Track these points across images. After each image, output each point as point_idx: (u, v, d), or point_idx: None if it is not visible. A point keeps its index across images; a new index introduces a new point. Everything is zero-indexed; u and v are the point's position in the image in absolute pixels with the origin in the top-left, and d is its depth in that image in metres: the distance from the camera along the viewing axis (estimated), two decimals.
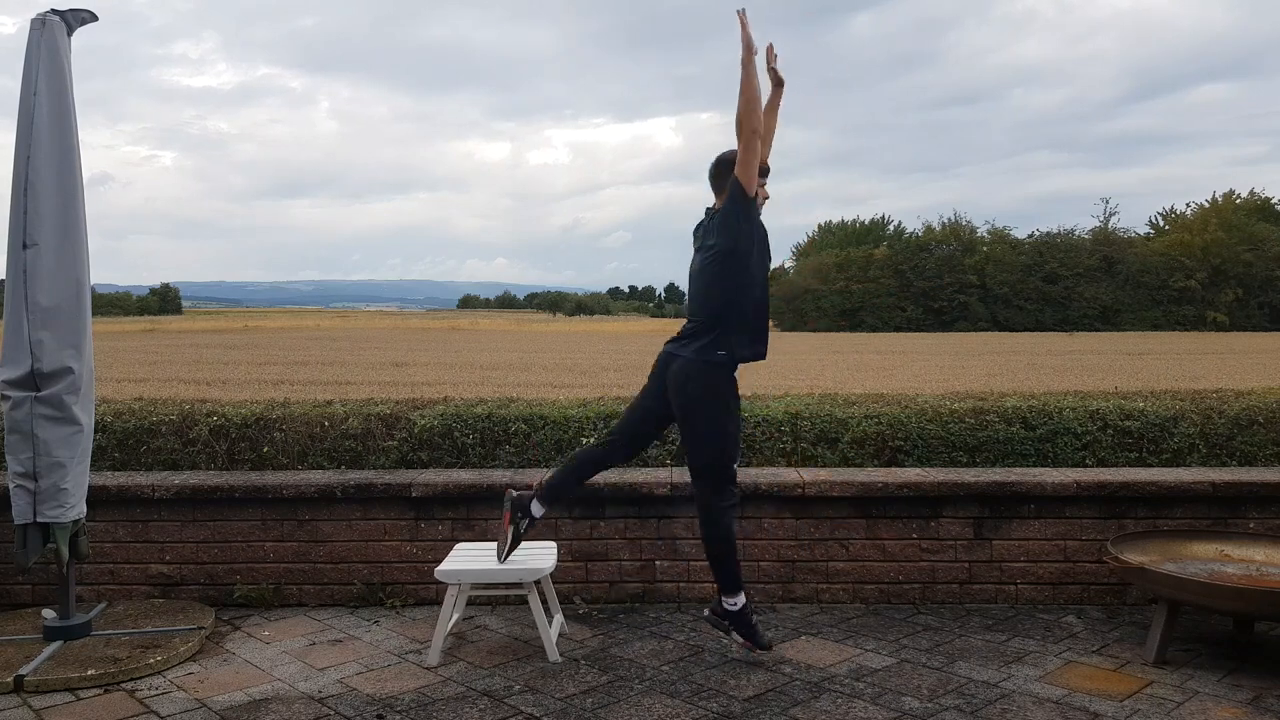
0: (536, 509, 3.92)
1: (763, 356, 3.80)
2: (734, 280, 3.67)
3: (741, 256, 3.67)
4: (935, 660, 3.86)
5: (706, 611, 3.93)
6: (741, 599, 3.80)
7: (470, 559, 4.03)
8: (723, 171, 3.73)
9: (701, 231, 3.84)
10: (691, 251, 3.91)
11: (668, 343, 3.85)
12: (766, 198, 3.78)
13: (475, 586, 4.06)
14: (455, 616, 4.02)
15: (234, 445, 4.92)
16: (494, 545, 4.21)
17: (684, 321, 3.86)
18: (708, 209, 3.86)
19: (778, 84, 3.89)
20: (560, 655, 3.91)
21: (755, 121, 3.55)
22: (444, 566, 3.95)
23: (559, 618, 4.16)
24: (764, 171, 3.78)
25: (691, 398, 3.72)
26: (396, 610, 4.53)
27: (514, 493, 3.96)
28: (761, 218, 3.75)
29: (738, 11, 3.59)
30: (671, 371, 3.76)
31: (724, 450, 3.73)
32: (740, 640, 3.81)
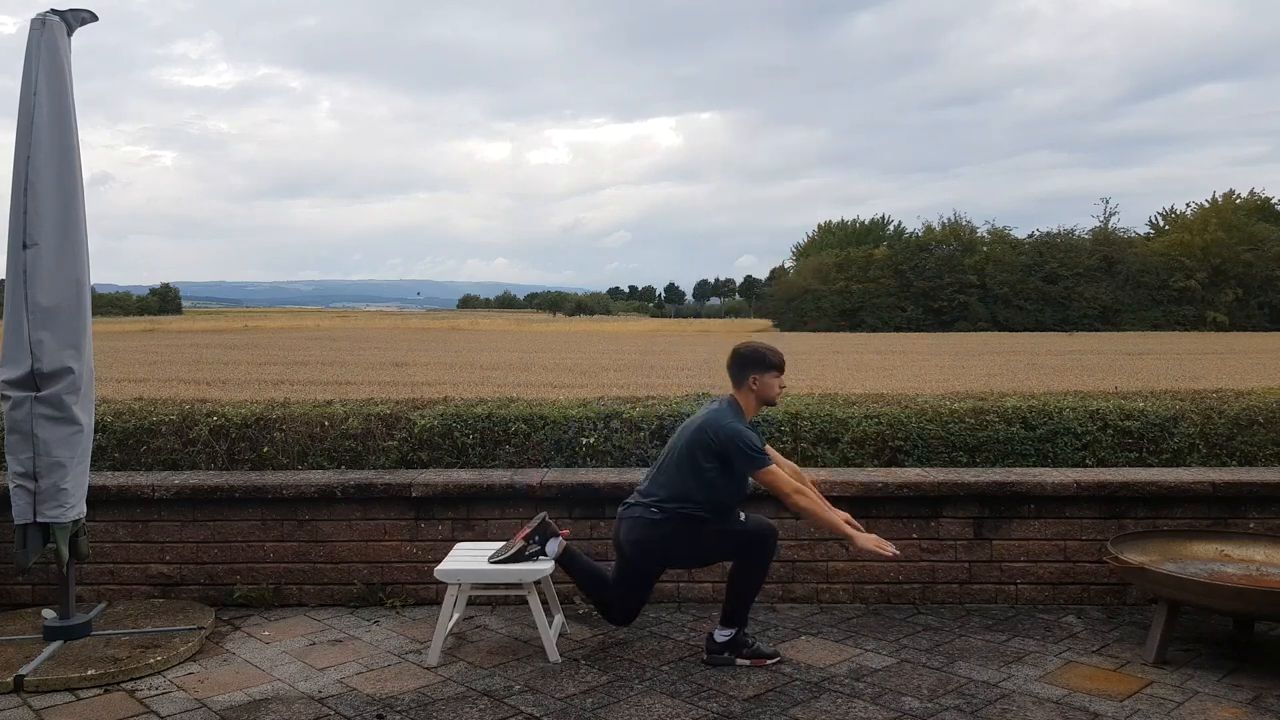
0: (552, 549, 3.97)
1: None
2: (709, 489, 3.75)
3: (727, 473, 3.76)
4: (935, 660, 3.86)
5: (705, 656, 3.89)
6: (734, 630, 3.83)
7: (470, 559, 4.03)
8: (739, 364, 3.86)
9: (692, 428, 3.83)
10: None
11: (621, 509, 3.93)
12: (784, 386, 3.94)
13: (475, 586, 4.06)
14: (455, 616, 4.02)
15: (234, 445, 4.92)
16: (493, 545, 4.21)
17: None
18: (723, 401, 3.90)
19: (847, 536, 3.82)
20: (560, 655, 3.91)
21: (790, 507, 3.76)
22: (444, 566, 3.95)
23: (559, 617, 4.15)
24: (782, 365, 3.90)
25: (671, 552, 3.86)
26: (396, 610, 4.53)
27: (549, 523, 4.01)
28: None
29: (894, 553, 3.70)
30: (630, 540, 3.84)
31: (735, 532, 3.80)
32: (748, 663, 3.81)
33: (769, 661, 3.81)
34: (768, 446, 3.86)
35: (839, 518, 3.72)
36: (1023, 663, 3.83)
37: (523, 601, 4.34)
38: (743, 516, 3.86)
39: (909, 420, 4.90)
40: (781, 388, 3.90)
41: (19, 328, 3.83)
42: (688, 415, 4.87)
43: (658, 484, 3.81)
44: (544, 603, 4.06)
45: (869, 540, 3.65)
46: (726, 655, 3.82)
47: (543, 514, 4.05)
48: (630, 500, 3.90)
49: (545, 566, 3.92)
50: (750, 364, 3.84)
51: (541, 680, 3.67)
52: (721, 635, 3.83)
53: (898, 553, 3.70)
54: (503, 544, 4.04)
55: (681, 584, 4.56)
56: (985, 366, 25.78)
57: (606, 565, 4.08)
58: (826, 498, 4.46)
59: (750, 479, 3.76)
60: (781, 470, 3.79)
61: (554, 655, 3.87)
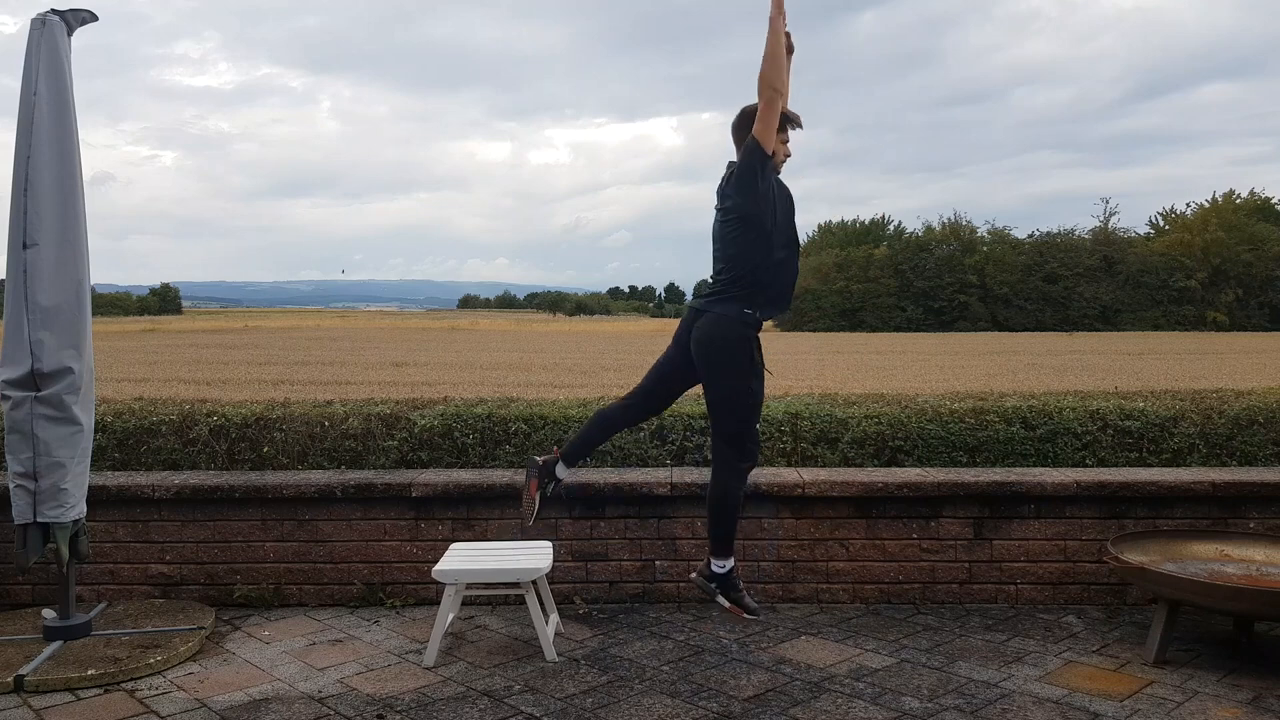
0: (562, 471, 3.93)
1: (787, 307, 3.79)
2: (753, 242, 3.62)
3: (758, 217, 3.60)
4: (935, 660, 3.86)
5: (694, 574, 3.86)
6: (731, 563, 3.75)
7: (466, 558, 4.04)
8: (744, 124, 3.66)
9: (720, 188, 3.75)
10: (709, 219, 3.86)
11: (693, 299, 3.83)
12: (788, 155, 3.72)
13: (472, 586, 4.06)
14: (451, 616, 4.02)
15: (234, 445, 4.92)
16: (493, 544, 4.22)
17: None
18: (729, 163, 3.77)
19: (789, 50, 3.74)
20: (560, 655, 3.91)
21: (778, 80, 3.53)
22: (440, 566, 3.95)
23: (554, 617, 4.16)
24: (794, 121, 3.71)
25: (715, 356, 3.66)
26: (396, 610, 4.53)
27: (539, 459, 3.96)
28: (782, 175, 3.71)
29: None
30: (696, 328, 3.71)
31: (749, 410, 3.68)
32: (726, 604, 3.75)
33: (745, 615, 3.75)
34: None
35: (770, 18, 3.55)
36: (1023, 663, 3.83)
37: (522, 601, 4.34)
38: (756, 424, 3.76)
39: (909, 420, 4.90)
40: (787, 153, 3.70)
41: (19, 328, 3.83)
42: (688, 415, 4.88)
43: (720, 271, 3.68)
44: (540, 602, 4.06)
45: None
46: (714, 587, 3.76)
47: (532, 458, 3.99)
48: (705, 294, 3.77)
49: (542, 565, 3.92)
50: (751, 122, 3.61)
51: (541, 680, 3.68)
52: (717, 566, 3.76)
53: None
54: (503, 543, 4.03)
55: (681, 584, 4.56)
56: (985, 366, 25.78)
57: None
58: (826, 498, 4.49)
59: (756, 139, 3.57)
60: None
61: (551, 655, 3.87)
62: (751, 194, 3.59)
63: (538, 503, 3.91)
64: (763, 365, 3.76)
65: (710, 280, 3.78)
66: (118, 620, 4.23)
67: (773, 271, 3.67)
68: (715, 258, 3.76)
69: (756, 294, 3.65)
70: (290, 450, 4.89)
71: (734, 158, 3.77)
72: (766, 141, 3.55)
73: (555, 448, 4.12)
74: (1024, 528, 4.51)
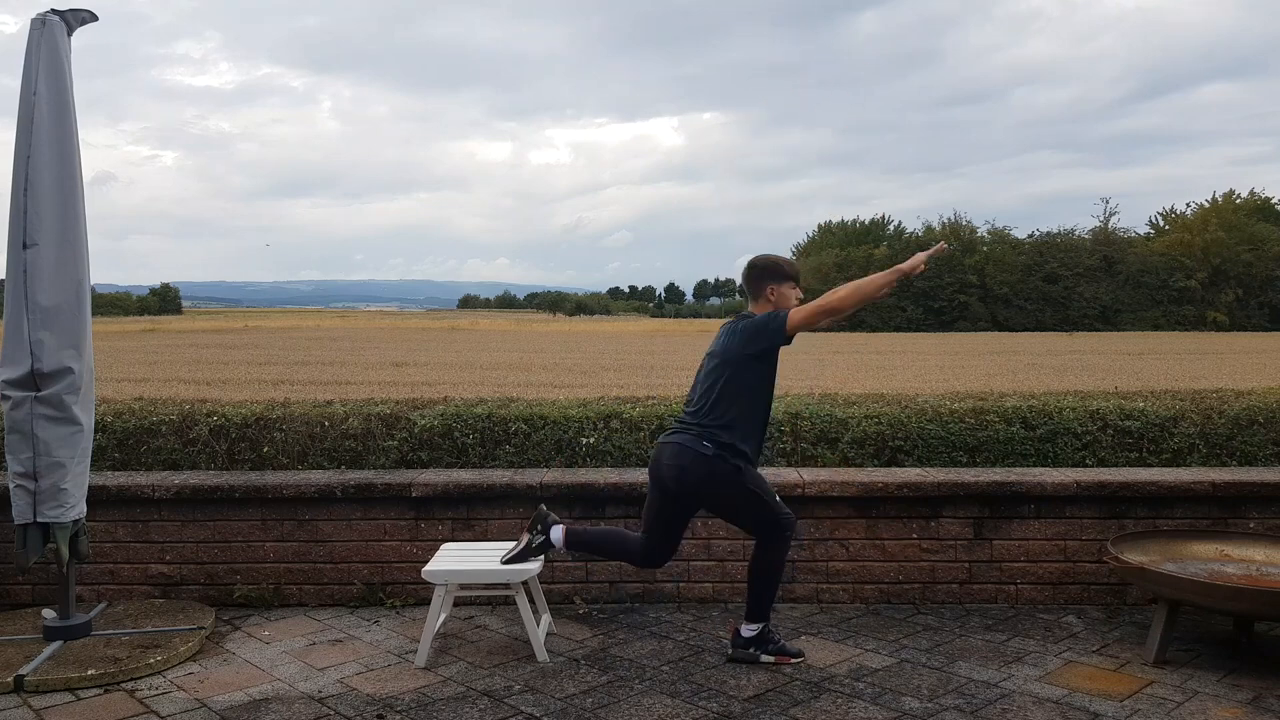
0: (556, 537, 3.93)
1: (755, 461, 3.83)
2: (755, 389, 3.70)
3: (768, 366, 3.71)
4: (935, 660, 3.86)
5: (729, 652, 3.88)
6: (759, 625, 3.82)
7: (457, 559, 4.03)
8: (755, 276, 3.81)
9: (727, 332, 3.80)
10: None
11: (664, 437, 3.84)
12: (800, 299, 3.85)
13: (463, 587, 4.06)
14: (443, 616, 4.02)
15: (234, 445, 4.92)
16: (484, 545, 4.23)
17: (683, 415, 3.84)
18: (740, 314, 3.88)
19: (899, 275, 3.74)
20: (560, 655, 3.91)
21: (843, 310, 3.64)
22: (431, 567, 3.95)
23: (546, 618, 4.16)
24: (798, 276, 3.87)
25: (713, 492, 3.74)
26: (396, 610, 4.53)
27: (546, 511, 3.99)
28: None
29: (941, 244, 3.83)
30: (672, 468, 3.71)
31: (762, 500, 3.74)
32: (773, 660, 3.80)
33: (793, 660, 3.80)
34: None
35: (885, 272, 3.65)
36: (1023, 663, 3.83)
37: None
38: (776, 497, 3.82)
39: (909, 420, 4.90)
40: (798, 299, 3.80)
41: (19, 328, 3.83)
42: None
43: (706, 409, 3.71)
44: (531, 603, 4.06)
45: (917, 258, 3.66)
46: (752, 651, 3.81)
47: (543, 506, 4.04)
48: (677, 425, 3.80)
49: (533, 567, 3.92)
50: (767, 275, 3.79)
51: (541, 680, 3.67)
52: (748, 630, 3.83)
53: (944, 245, 3.74)
54: (511, 546, 4.02)
55: (681, 584, 4.57)
56: (985, 366, 25.78)
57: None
58: (826, 498, 4.48)
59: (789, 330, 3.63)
60: None
61: (542, 655, 3.87)
62: (756, 366, 3.69)
63: (521, 546, 3.92)
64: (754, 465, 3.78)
65: (690, 415, 3.80)
66: (118, 620, 4.23)
67: (761, 419, 3.77)
68: (703, 397, 3.76)
69: (746, 443, 3.71)
70: (290, 450, 4.89)
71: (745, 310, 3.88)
72: (794, 329, 3.63)
73: (570, 520, 4.11)
74: (1024, 528, 4.51)
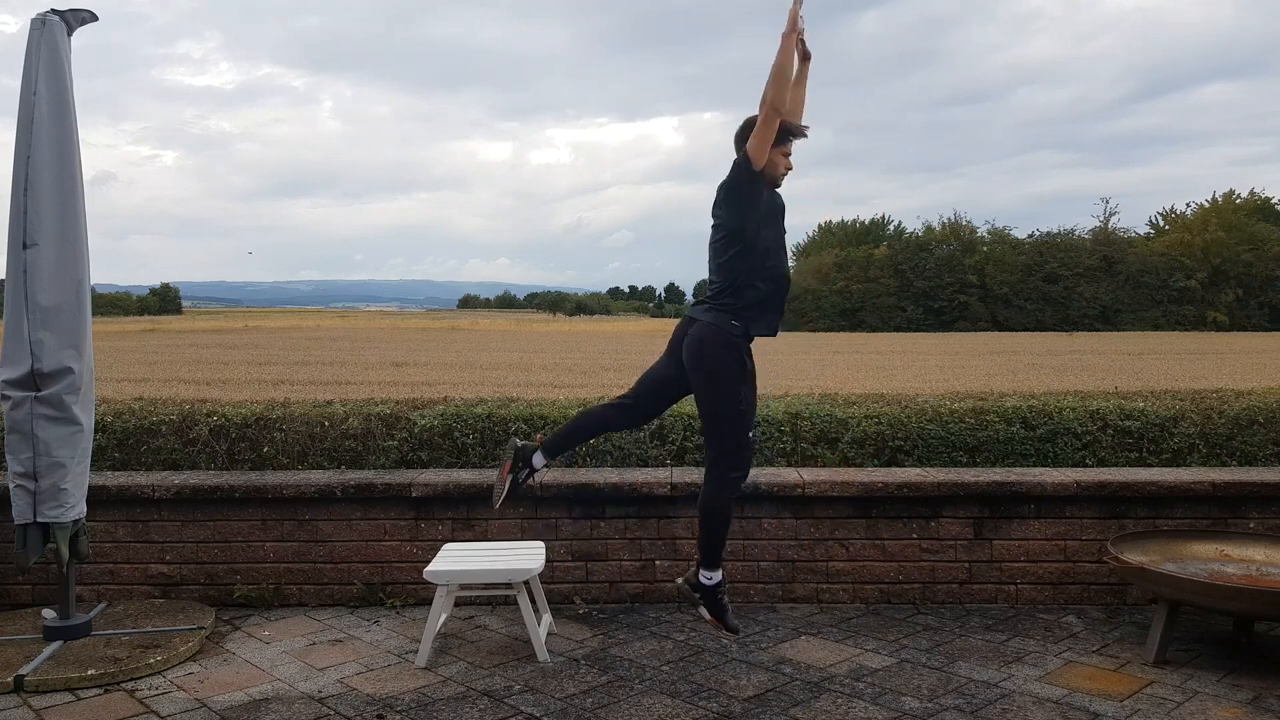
0: (538, 460, 3.83)
1: (774, 332, 3.71)
2: (742, 256, 3.58)
3: (748, 232, 3.56)
4: (935, 660, 3.86)
5: (679, 579, 3.78)
6: (719, 575, 3.67)
7: (458, 559, 4.04)
8: (745, 134, 3.59)
9: (714, 206, 3.70)
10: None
11: (689, 307, 3.79)
12: (789, 169, 3.66)
13: (468, 586, 4.06)
14: (444, 616, 4.02)
15: (234, 445, 4.92)
16: (485, 545, 4.23)
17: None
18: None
19: (805, 58, 3.72)
20: (560, 655, 3.91)
21: (779, 98, 3.46)
22: (432, 567, 3.95)
23: (547, 617, 4.16)
24: (797, 133, 3.65)
25: (706, 364, 3.60)
26: (396, 610, 4.53)
27: (518, 441, 3.88)
28: (781, 189, 3.66)
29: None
30: (689, 336, 3.66)
31: (740, 417, 3.60)
32: (707, 617, 3.68)
33: (725, 633, 3.71)
34: None
35: (783, 35, 3.48)
36: (1023, 663, 3.83)
37: None
38: (751, 434, 3.69)
39: (909, 420, 4.90)
40: (788, 167, 3.64)
41: (19, 328, 3.83)
42: (688, 415, 4.88)
43: (712, 281, 3.65)
44: (532, 602, 4.06)
45: (792, 12, 3.48)
46: (698, 596, 3.68)
47: (512, 439, 3.92)
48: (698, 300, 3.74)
49: (534, 565, 3.92)
50: (750, 129, 3.56)
51: (541, 680, 3.67)
52: (705, 577, 3.67)
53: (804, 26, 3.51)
54: (500, 543, 4.02)
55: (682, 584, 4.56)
56: (985, 366, 25.78)
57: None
58: (826, 498, 4.48)
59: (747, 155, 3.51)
60: None
61: (543, 655, 3.87)
62: (739, 209, 3.56)
63: (507, 486, 3.80)
64: (754, 373, 3.70)
65: (707, 287, 3.76)
66: (118, 620, 4.23)
67: (765, 286, 3.62)
68: (709, 268, 3.73)
69: (744, 307, 3.60)
70: (290, 450, 4.89)
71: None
72: (757, 158, 3.49)
73: (538, 435, 4.03)
74: (1024, 528, 4.51)
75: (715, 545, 3.67)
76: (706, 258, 3.75)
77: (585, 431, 3.97)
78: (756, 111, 3.52)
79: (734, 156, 3.65)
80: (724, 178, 3.63)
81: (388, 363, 27.85)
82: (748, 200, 3.55)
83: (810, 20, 3.58)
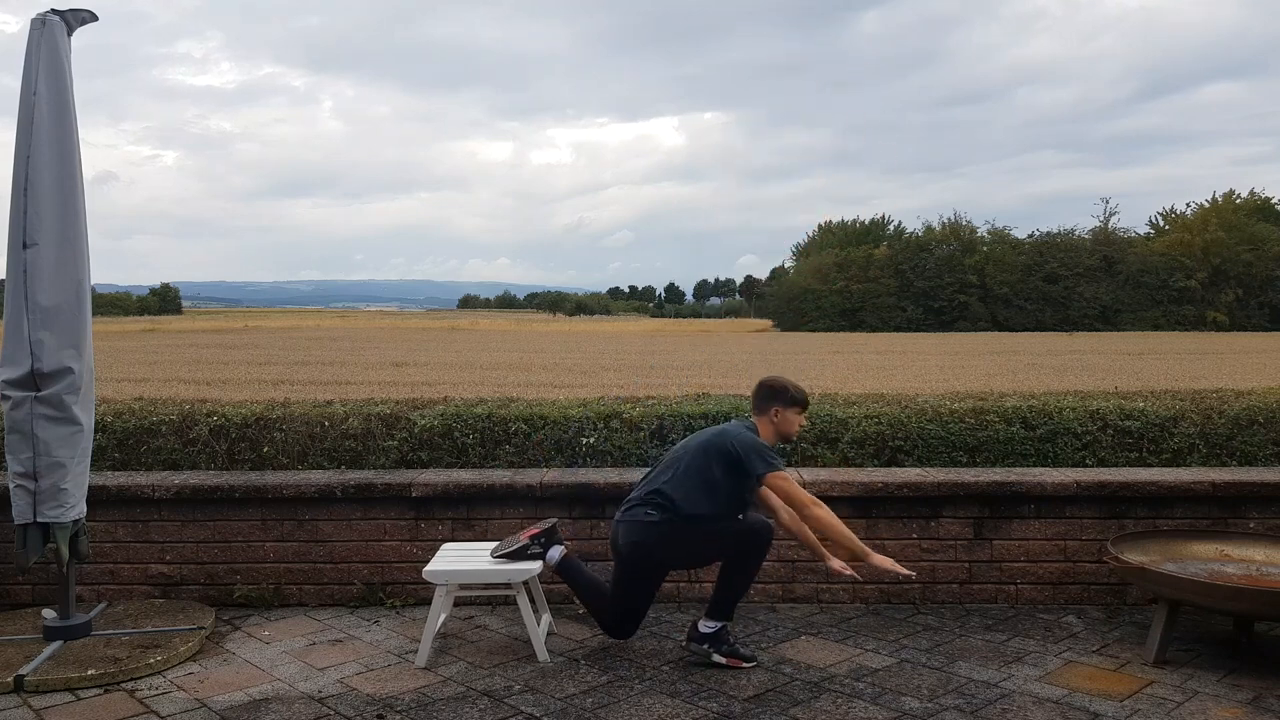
0: (554, 556, 3.98)
1: None
2: (713, 485, 3.74)
3: (734, 480, 3.77)
4: (935, 660, 3.86)
5: (684, 643, 3.92)
6: (721, 622, 3.82)
7: (457, 559, 4.03)
8: (763, 395, 3.92)
9: (717, 432, 3.87)
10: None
11: (619, 512, 3.92)
12: (804, 425, 4.08)
13: (464, 587, 4.06)
14: (444, 616, 4.02)
15: (234, 445, 4.92)
16: (485, 545, 4.22)
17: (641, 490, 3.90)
18: (745, 420, 4.00)
19: (865, 554, 3.82)
20: (561, 655, 3.91)
21: (817, 523, 3.72)
22: (431, 567, 3.95)
23: (546, 617, 4.16)
24: (805, 403, 3.97)
25: (668, 553, 3.85)
26: (396, 610, 4.53)
27: (558, 530, 4.05)
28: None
29: (908, 575, 3.78)
30: (629, 541, 3.82)
31: (732, 530, 3.79)
32: (724, 661, 3.78)
33: (745, 665, 3.78)
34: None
35: (861, 549, 3.74)
36: (1023, 663, 3.83)
37: None
38: (740, 516, 3.85)
39: (909, 420, 4.90)
40: (802, 426, 3.95)
41: (19, 328, 3.83)
42: (688, 415, 4.88)
43: (661, 487, 3.79)
44: (531, 602, 4.06)
45: (885, 560, 3.72)
46: (706, 648, 3.80)
47: (554, 520, 4.08)
48: (629, 501, 3.89)
49: (533, 566, 3.92)
50: (775, 396, 3.91)
51: (541, 680, 3.67)
52: (706, 626, 3.82)
53: (912, 574, 3.76)
54: (507, 539, 4.03)
55: (681, 584, 4.56)
56: (985, 366, 25.78)
57: (607, 572, 4.07)
58: (826, 498, 4.47)
59: (761, 489, 3.78)
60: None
61: (543, 655, 3.87)
62: (731, 473, 3.75)
63: (516, 547, 3.96)
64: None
65: (641, 485, 3.89)
66: (118, 620, 4.23)
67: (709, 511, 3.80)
68: (670, 484, 3.80)
69: (687, 507, 3.76)
70: (290, 450, 4.89)
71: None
72: (772, 482, 3.72)
73: (569, 550, 4.15)
74: (1024, 528, 4.51)
75: (733, 601, 3.85)
76: (670, 457, 3.91)
77: (594, 591, 4.03)
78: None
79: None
80: (736, 440, 3.81)
81: (388, 363, 27.85)
82: (740, 476, 3.76)
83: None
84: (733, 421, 4.04)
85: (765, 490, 3.79)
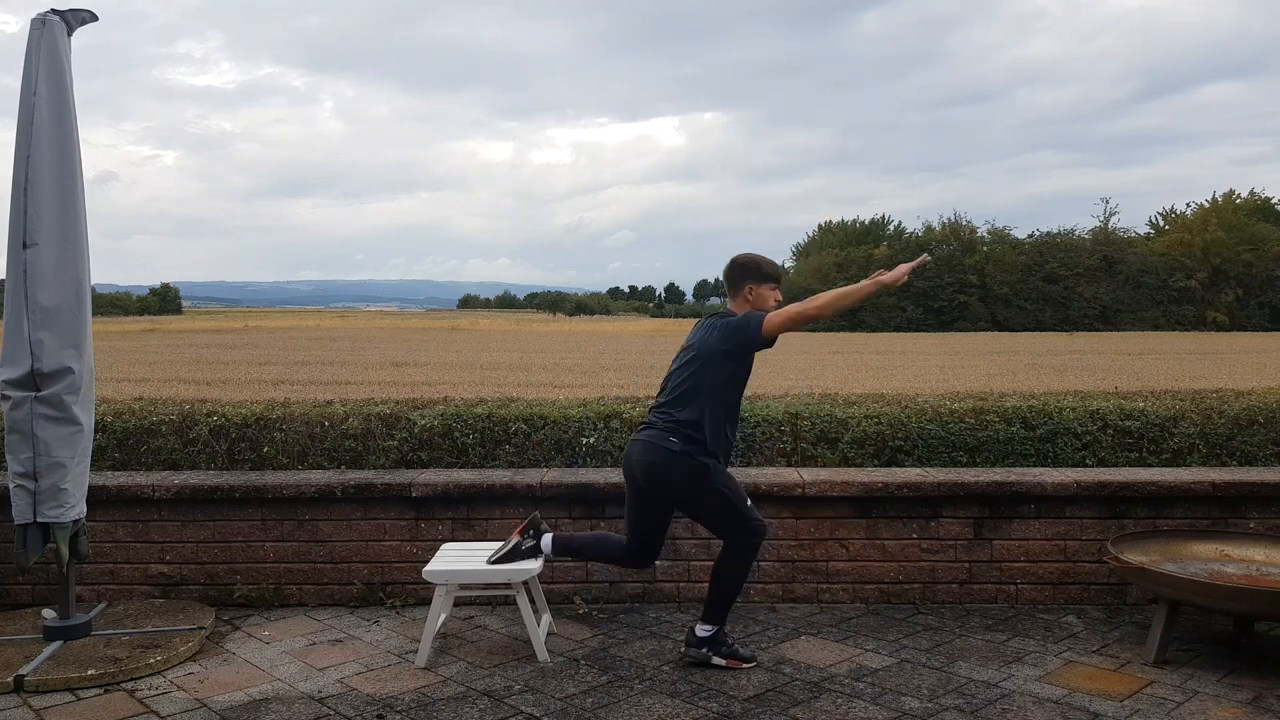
0: (546, 545, 3.96)
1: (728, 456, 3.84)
2: (725, 387, 3.69)
3: (741, 366, 3.72)
4: (935, 660, 3.86)
5: (682, 649, 3.89)
6: (717, 626, 3.80)
7: (457, 559, 4.03)
8: (735, 274, 3.81)
9: (705, 328, 3.81)
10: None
11: (637, 433, 3.83)
12: (778, 300, 3.83)
13: (464, 587, 4.06)
14: (443, 616, 4.02)
15: (234, 445, 4.92)
16: (485, 545, 4.22)
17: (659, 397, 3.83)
18: (719, 311, 3.88)
19: (879, 286, 3.70)
20: (560, 655, 3.91)
21: (825, 314, 3.63)
22: (431, 567, 3.95)
23: (546, 617, 4.16)
24: (779, 278, 3.86)
25: (682, 488, 3.72)
26: (396, 610, 4.53)
27: (540, 519, 4.02)
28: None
29: (925, 256, 3.70)
30: (645, 461, 3.70)
31: (736, 506, 3.73)
32: (724, 663, 3.77)
33: (745, 665, 3.78)
34: None
35: (865, 282, 3.62)
36: (1023, 663, 3.83)
37: None
38: (748, 502, 3.81)
39: (909, 420, 4.90)
40: (777, 300, 3.80)
41: (19, 328, 3.83)
42: None
43: (676, 404, 3.70)
44: (531, 602, 4.06)
45: (899, 269, 3.61)
46: (705, 651, 3.79)
47: (537, 514, 4.06)
48: (646, 422, 3.80)
49: (533, 566, 3.92)
50: (747, 273, 3.79)
51: (541, 680, 3.67)
52: (703, 630, 3.81)
53: (929, 258, 3.66)
54: (499, 546, 4.03)
55: (681, 584, 4.57)
56: (985, 366, 25.79)
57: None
58: (826, 498, 4.48)
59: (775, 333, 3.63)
60: None
61: (543, 655, 3.87)
62: (745, 351, 3.69)
63: (509, 547, 3.93)
64: (723, 466, 3.78)
65: (661, 410, 3.78)
66: (118, 620, 4.23)
67: (730, 419, 3.75)
68: (673, 390, 3.75)
69: (715, 444, 3.69)
70: (290, 450, 4.89)
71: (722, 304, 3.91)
72: (774, 330, 3.61)
73: (558, 528, 4.11)
74: (1024, 528, 4.51)
75: (728, 602, 3.80)
76: (675, 373, 3.80)
77: (596, 550, 4.00)
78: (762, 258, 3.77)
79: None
80: (717, 312, 3.79)
81: (388, 363, 27.85)
82: (750, 348, 3.69)
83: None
84: (706, 319, 3.89)
85: (781, 322, 3.60)
